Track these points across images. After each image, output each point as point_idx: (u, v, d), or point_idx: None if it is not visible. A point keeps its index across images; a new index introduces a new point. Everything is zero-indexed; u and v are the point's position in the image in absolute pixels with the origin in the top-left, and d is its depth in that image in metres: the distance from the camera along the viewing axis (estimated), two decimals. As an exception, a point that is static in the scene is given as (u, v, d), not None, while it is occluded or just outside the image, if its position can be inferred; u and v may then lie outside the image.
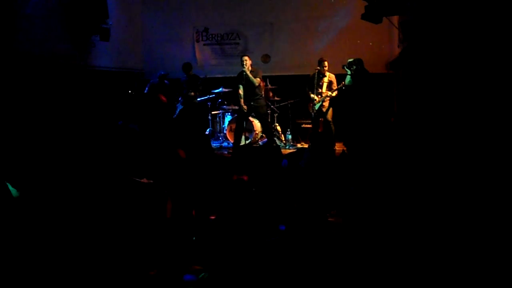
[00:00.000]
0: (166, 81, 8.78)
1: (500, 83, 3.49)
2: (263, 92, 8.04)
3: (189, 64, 8.62)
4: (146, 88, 8.69)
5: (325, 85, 7.93)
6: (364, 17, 7.30)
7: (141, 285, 2.87)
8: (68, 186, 4.06)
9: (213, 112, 9.29)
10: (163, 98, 8.04)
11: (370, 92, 7.51)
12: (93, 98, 8.08)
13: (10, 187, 3.58)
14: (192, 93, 8.46)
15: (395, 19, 7.82)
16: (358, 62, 7.57)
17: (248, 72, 7.58)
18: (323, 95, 7.86)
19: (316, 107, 7.92)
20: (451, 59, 4.73)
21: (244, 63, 7.59)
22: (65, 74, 7.58)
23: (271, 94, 9.02)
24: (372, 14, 7.16)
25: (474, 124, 3.98)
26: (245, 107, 7.75)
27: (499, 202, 3.17)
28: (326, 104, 7.94)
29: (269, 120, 8.60)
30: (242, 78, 7.65)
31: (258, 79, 7.68)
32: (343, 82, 7.72)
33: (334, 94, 7.84)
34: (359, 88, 7.53)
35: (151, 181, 4.07)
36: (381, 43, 9.17)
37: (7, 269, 2.79)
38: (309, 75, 8.08)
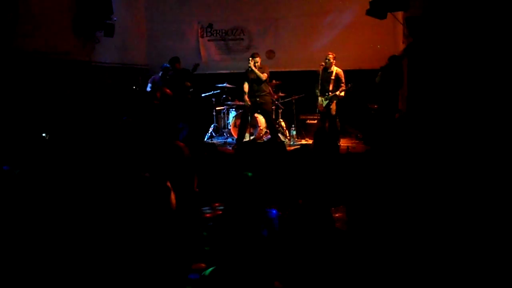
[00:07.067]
0: (170, 73, 8.70)
1: (504, 81, 3.47)
2: (269, 89, 8.05)
3: (178, 58, 8.48)
4: (148, 85, 8.62)
5: (332, 81, 7.87)
6: (369, 12, 7.29)
7: (145, 282, 2.88)
8: (72, 181, 4.07)
9: (217, 108, 9.29)
10: (168, 91, 7.99)
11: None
12: (97, 94, 8.10)
13: None
14: (188, 84, 8.39)
15: (399, 14, 7.80)
16: (391, 59, 7.62)
17: (255, 69, 7.60)
18: (331, 94, 7.81)
19: (324, 104, 7.88)
20: (455, 54, 4.71)
21: (256, 64, 7.63)
22: (69, 70, 7.61)
23: (275, 96, 8.84)
24: (376, 10, 7.15)
25: (479, 120, 3.96)
26: (248, 101, 7.76)
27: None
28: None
29: (274, 116, 8.59)
30: (249, 74, 7.70)
31: (265, 74, 7.69)
32: (350, 84, 7.71)
33: (342, 94, 7.80)
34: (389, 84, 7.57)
35: (154, 175, 4.06)
36: (385, 39, 9.12)
37: (14, 266, 2.81)
38: (315, 71, 8.04)
